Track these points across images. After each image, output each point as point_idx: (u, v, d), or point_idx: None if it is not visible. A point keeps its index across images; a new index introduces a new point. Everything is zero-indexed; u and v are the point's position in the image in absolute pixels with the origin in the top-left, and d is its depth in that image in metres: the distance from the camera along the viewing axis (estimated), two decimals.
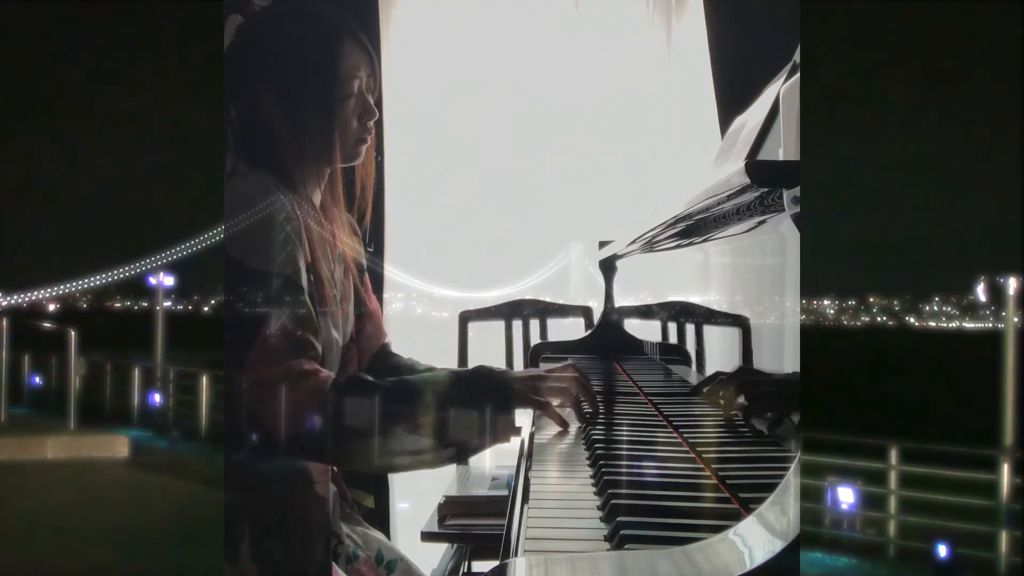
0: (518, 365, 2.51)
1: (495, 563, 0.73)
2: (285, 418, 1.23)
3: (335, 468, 1.51)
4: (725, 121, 2.95)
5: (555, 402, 1.34)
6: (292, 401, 1.23)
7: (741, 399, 1.35)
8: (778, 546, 0.63)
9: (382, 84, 3.77)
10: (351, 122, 1.42)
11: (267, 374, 1.24)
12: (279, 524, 1.32)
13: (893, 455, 3.83)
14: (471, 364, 2.59)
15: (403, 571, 1.54)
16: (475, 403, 1.24)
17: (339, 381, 1.27)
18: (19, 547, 3.50)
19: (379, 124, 3.89)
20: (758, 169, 0.89)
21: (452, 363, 2.65)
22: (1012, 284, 4.09)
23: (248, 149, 1.40)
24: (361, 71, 1.42)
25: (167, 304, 7.13)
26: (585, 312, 2.83)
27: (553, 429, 1.35)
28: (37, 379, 6.82)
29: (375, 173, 1.61)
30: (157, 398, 6.21)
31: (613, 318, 2.33)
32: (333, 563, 1.42)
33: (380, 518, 3.10)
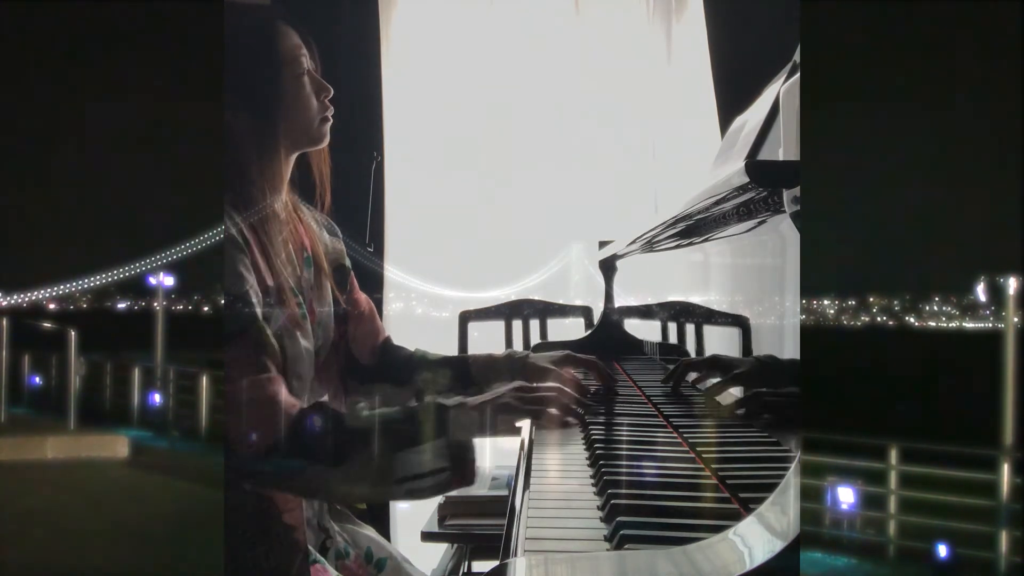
0: None
1: (495, 563, 0.73)
2: (247, 437, 1.22)
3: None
4: (725, 121, 2.95)
5: (535, 417, 1.32)
6: (252, 420, 1.21)
7: (712, 382, 1.36)
8: (778, 546, 0.63)
9: (382, 84, 3.76)
10: (311, 100, 1.42)
11: (232, 391, 1.23)
12: (261, 527, 1.32)
13: (893, 455, 3.83)
14: None
15: (393, 569, 1.53)
16: (432, 442, 1.19)
17: (304, 409, 1.24)
18: (19, 547, 3.50)
19: (379, 124, 3.88)
20: (758, 169, 0.89)
21: None
22: (1012, 284, 4.09)
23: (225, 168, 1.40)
24: (304, 52, 1.42)
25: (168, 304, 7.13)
26: (585, 312, 2.83)
27: (553, 429, 1.35)
28: (37, 379, 6.82)
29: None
30: (157, 398, 6.21)
31: (613, 318, 2.33)
32: (323, 559, 1.42)
33: (379, 518, 3.10)
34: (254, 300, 1.29)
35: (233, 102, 1.40)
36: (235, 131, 1.40)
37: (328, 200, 1.56)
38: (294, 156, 1.46)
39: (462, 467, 1.19)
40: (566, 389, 1.35)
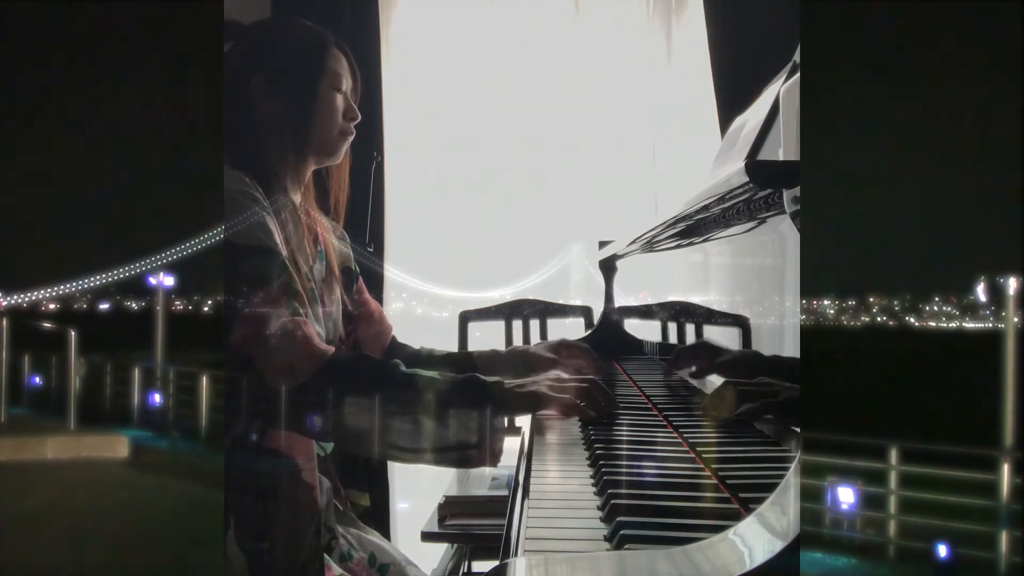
0: None
1: (495, 563, 0.73)
2: (278, 374, 1.21)
3: (329, 464, 1.51)
4: (725, 121, 2.95)
5: (558, 411, 1.33)
6: (284, 357, 1.21)
7: (712, 376, 1.36)
8: (778, 546, 0.63)
9: (382, 84, 3.76)
10: (337, 115, 1.47)
11: (257, 331, 1.23)
12: (266, 521, 1.32)
13: (893, 455, 3.82)
14: None
15: (396, 574, 1.53)
16: (466, 414, 1.20)
17: (341, 353, 1.26)
18: (19, 547, 3.50)
19: (379, 124, 3.88)
20: (758, 169, 0.89)
21: None
22: (1012, 284, 4.08)
23: (235, 151, 1.42)
24: (347, 76, 1.50)
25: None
26: (585, 312, 2.83)
27: (553, 429, 1.35)
28: (37, 379, 6.81)
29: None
30: (157, 398, 6.20)
31: (613, 318, 2.33)
32: (327, 556, 1.42)
33: (380, 518, 3.10)
34: (283, 251, 1.31)
35: (262, 93, 1.44)
36: (267, 116, 1.44)
37: (342, 219, 1.62)
38: (311, 162, 1.50)
39: (489, 446, 1.19)
40: (600, 384, 1.36)
